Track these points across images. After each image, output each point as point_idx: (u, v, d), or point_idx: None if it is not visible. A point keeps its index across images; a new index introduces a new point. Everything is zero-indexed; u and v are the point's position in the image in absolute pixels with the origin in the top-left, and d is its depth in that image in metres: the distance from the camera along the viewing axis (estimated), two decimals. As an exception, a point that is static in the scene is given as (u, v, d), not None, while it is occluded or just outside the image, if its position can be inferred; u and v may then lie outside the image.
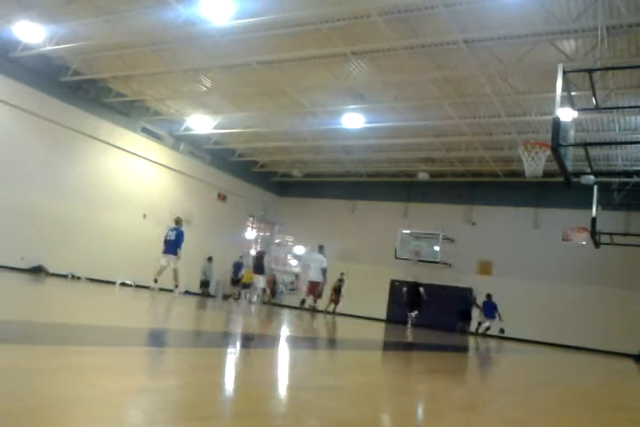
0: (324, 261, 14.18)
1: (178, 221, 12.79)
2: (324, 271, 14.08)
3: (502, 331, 17.75)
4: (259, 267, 17.10)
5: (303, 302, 14.75)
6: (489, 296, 17.62)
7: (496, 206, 20.56)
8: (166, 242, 12.29)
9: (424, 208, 21.57)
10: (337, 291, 17.44)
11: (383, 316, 20.77)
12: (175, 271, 12.08)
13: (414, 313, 16.03)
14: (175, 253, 12.10)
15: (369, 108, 15.87)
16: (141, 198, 18.19)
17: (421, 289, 16.20)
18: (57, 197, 15.43)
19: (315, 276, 14.17)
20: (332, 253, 16.57)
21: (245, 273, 20.86)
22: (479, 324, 17.58)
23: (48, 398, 1.21)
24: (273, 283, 21.54)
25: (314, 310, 14.79)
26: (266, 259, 17.09)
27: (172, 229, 12.53)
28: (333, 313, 16.61)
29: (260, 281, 17.26)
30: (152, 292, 12.16)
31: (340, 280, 17.78)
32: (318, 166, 22.98)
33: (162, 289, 12.74)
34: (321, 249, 14.72)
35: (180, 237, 12.24)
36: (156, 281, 12.13)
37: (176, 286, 12.28)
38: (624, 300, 17.65)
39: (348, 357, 4.10)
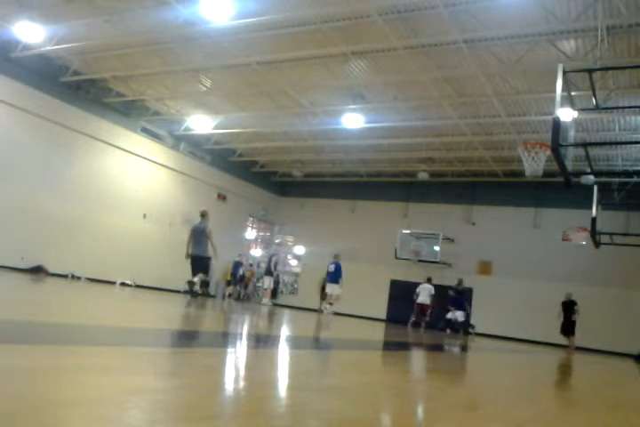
0: (432, 289, 16.66)
1: (336, 256, 15.93)
2: (432, 297, 16.52)
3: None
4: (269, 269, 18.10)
5: (414, 323, 16.38)
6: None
7: (496, 206, 20.56)
8: (328, 273, 15.64)
9: (424, 208, 21.56)
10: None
11: (383, 316, 20.79)
12: (335, 296, 15.42)
13: (571, 337, 14.58)
14: (337, 282, 15.30)
15: (369, 108, 15.86)
16: (141, 198, 18.17)
17: (576, 308, 14.60)
18: (57, 197, 15.41)
19: (423, 299, 16.49)
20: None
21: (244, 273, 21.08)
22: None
23: (48, 398, 1.21)
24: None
25: (418, 326, 16.25)
26: (273, 260, 17.78)
27: (331, 263, 15.73)
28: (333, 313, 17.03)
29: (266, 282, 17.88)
30: (322, 314, 15.06)
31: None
32: (318, 166, 22.98)
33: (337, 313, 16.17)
34: (429, 280, 17.17)
35: (338, 269, 15.50)
36: (331, 304, 15.51)
37: (330, 304, 15.46)
38: (624, 300, 17.65)
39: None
